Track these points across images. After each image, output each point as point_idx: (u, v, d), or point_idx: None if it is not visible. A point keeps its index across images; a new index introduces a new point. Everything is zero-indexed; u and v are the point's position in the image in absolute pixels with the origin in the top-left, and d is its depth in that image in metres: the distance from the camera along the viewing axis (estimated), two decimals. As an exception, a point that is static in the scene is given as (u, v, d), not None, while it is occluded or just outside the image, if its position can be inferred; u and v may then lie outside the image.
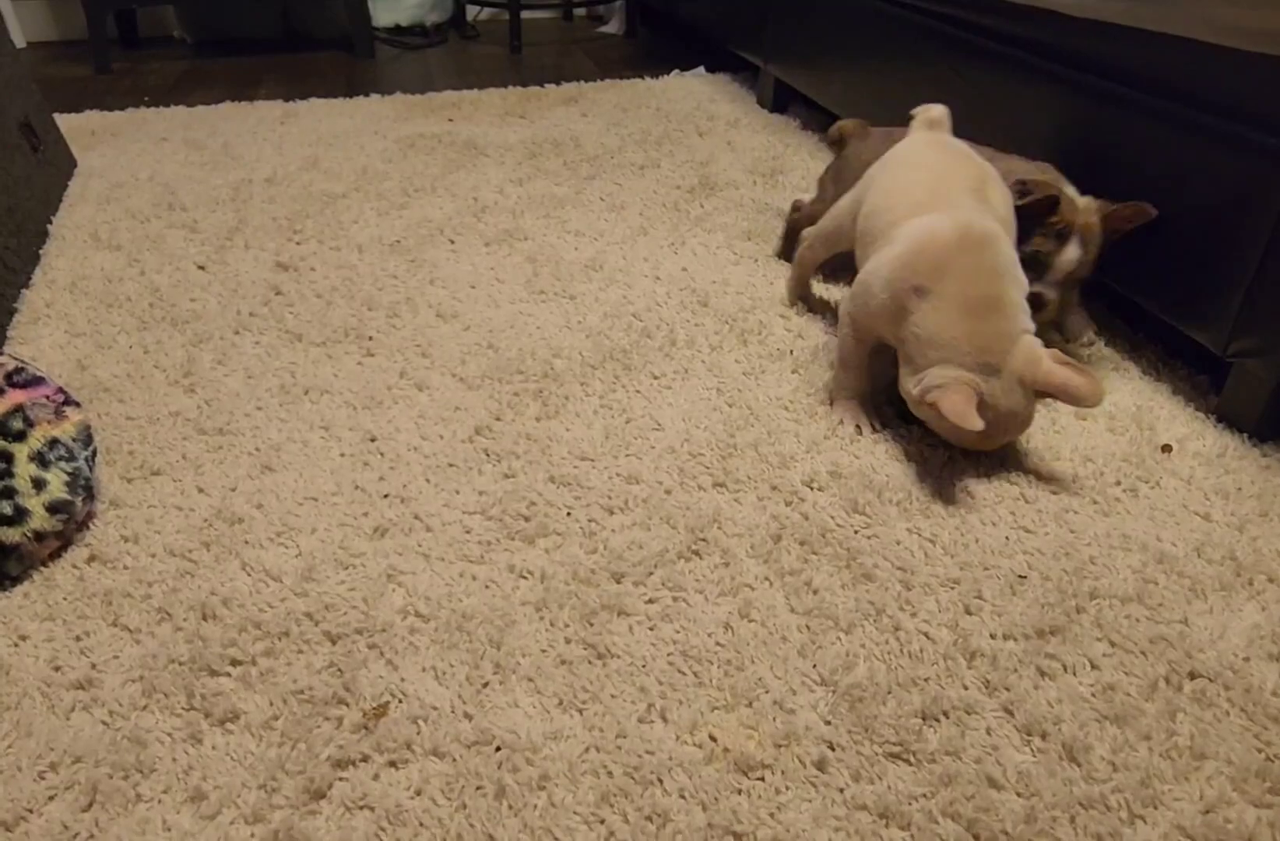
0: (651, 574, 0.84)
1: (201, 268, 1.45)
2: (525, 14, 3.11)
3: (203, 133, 2.08)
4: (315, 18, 3.23)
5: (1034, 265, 1.05)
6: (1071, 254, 1.07)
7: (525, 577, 0.84)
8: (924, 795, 0.65)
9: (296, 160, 1.90)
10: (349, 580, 0.83)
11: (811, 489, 0.95)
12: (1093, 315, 1.26)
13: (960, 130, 1.33)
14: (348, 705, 0.71)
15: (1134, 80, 1.11)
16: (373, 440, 1.03)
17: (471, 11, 3.31)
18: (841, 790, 0.65)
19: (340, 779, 0.66)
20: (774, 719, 0.70)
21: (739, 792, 0.65)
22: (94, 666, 0.74)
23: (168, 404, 1.09)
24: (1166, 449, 0.99)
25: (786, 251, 1.42)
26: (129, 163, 1.88)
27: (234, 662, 0.74)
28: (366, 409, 1.09)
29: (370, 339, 1.24)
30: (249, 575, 0.83)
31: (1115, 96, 1.13)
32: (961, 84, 1.43)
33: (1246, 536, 0.87)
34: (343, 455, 1.00)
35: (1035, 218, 1.06)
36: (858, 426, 1.04)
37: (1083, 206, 1.08)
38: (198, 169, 1.86)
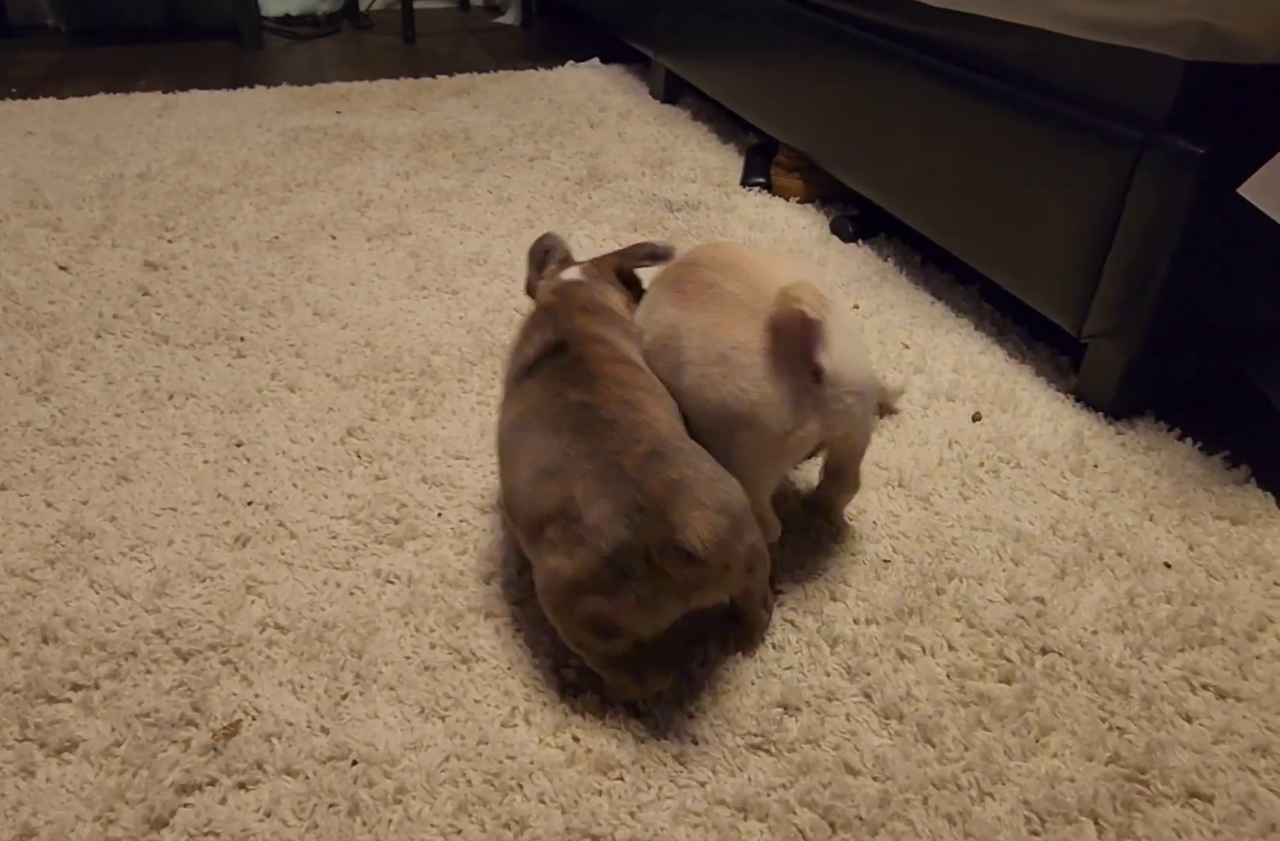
0: (522, 573, 0.83)
1: (63, 268, 1.38)
2: (421, 4, 3.04)
3: (73, 126, 1.98)
4: (201, 6, 3.11)
5: None
6: None
7: (392, 582, 0.82)
8: (782, 785, 0.65)
9: (173, 154, 1.82)
10: (205, 593, 0.80)
11: (687, 481, 0.95)
12: (964, 300, 1.29)
13: (827, 118, 1.35)
14: (197, 726, 0.68)
15: (991, 68, 1.14)
16: (239, 445, 0.99)
17: (365, 0, 3.23)
18: (703, 784, 0.65)
19: (184, 805, 0.63)
20: (637, 716, 0.70)
21: (599, 793, 0.65)
22: (-80, 697, 0.70)
23: (17, 413, 1.03)
24: (976, 417, 1.02)
25: None
26: (-12, 158, 1.78)
27: (74, 687, 0.71)
28: (234, 413, 1.05)
29: (242, 340, 1.20)
30: (96, 593, 0.79)
31: (974, 84, 1.16)
32: (836, 74, 1.45)
33: (1099, 512, 0.90)
34: (206, 462, 0.96)
35: None
36: None
37: None
38: (65, 164, 1.77)
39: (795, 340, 0.70)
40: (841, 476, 0.84)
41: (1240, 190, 0.84)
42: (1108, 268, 1.00)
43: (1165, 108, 0.94)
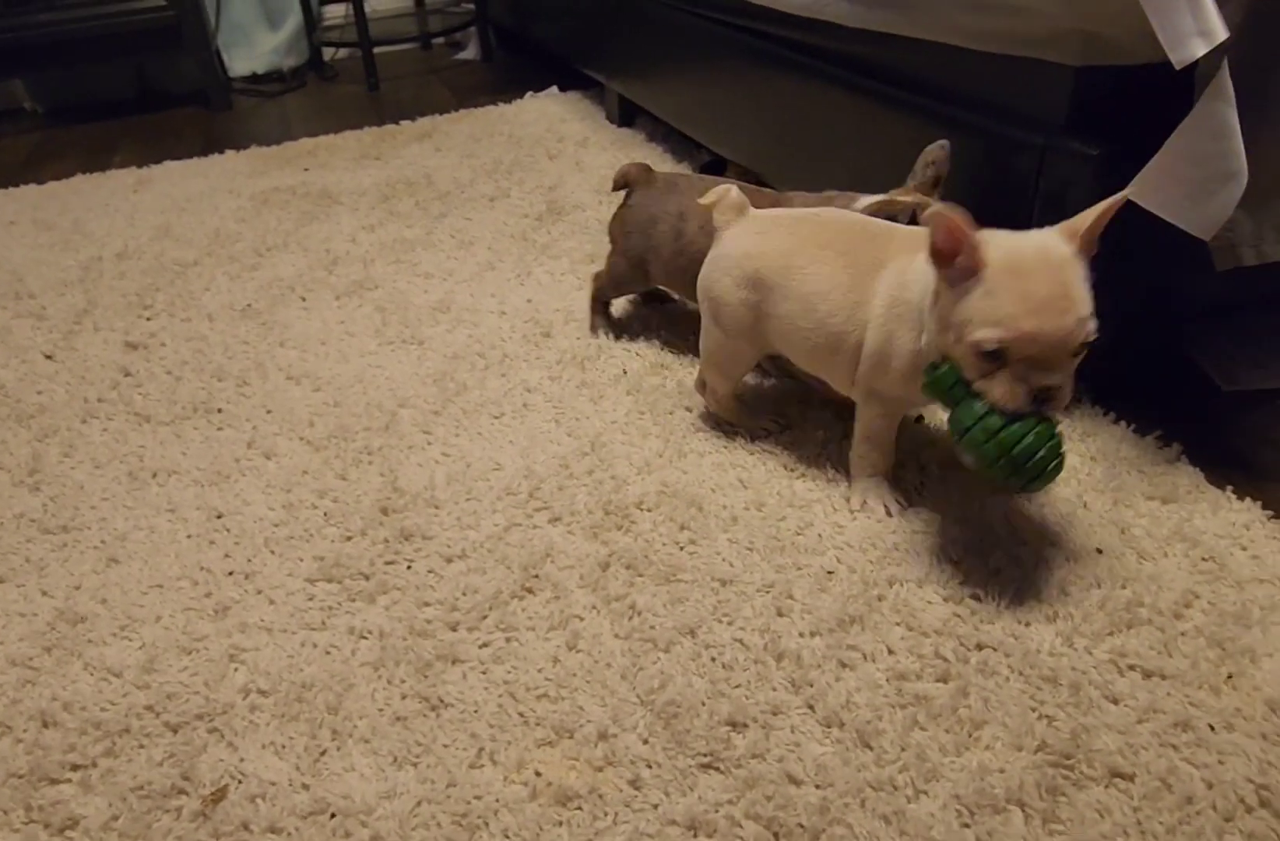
0: (485, 617, 0.88)
1: (49, 357, 1.45)
2: (383, 48, 3.11)
3: (53, 211, 2.07)
4: (170, 73, 3.20)
5: None
6: None
7: (365, 638, 0.87)
8: (729, 801, 0.69)
9: (148, 230, 1.90)
10: (191, 665, 0.85)
11: (641, 510, 1.00)
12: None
13: (768, 135, 1.39)
14: (187, 794, 0.74)
15: (908, 82, 1.18)
16: (219, 516, 1.05)
17: (328, 51, 3.30)
18: (655, 806, 0.70)
19: (180, 867, 0.69)
20: (595, 746, 0.75)
21: (559, 824, 0.69)
22: (-62, 788, 0.76)
23: (12, 506, 1.10)
24: (919, 420, 1.05)
25: (596, 322, 1.34)
26: (-25, 253, 1.87)
27: (74, 767, 0.76)
28: (213, 485, 1.11)
29: (220, 411, 1.26)
30: (91, 675, 0.85)
31: (894, 98, 1.20)
32: (771, 92, 1.49)
33: (1035, 504, 0.94)
34: (189, 536, 1.02)
35: None
36: (885, 507, 0.95)
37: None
38: (47, 250, 1.85)
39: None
40: None
41: (1126, 193, 0.87)
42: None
43: (1062, 113, 0.98)
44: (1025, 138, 1.00)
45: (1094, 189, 0.93)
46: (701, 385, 1.12)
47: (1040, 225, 1.01)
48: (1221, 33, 0.79)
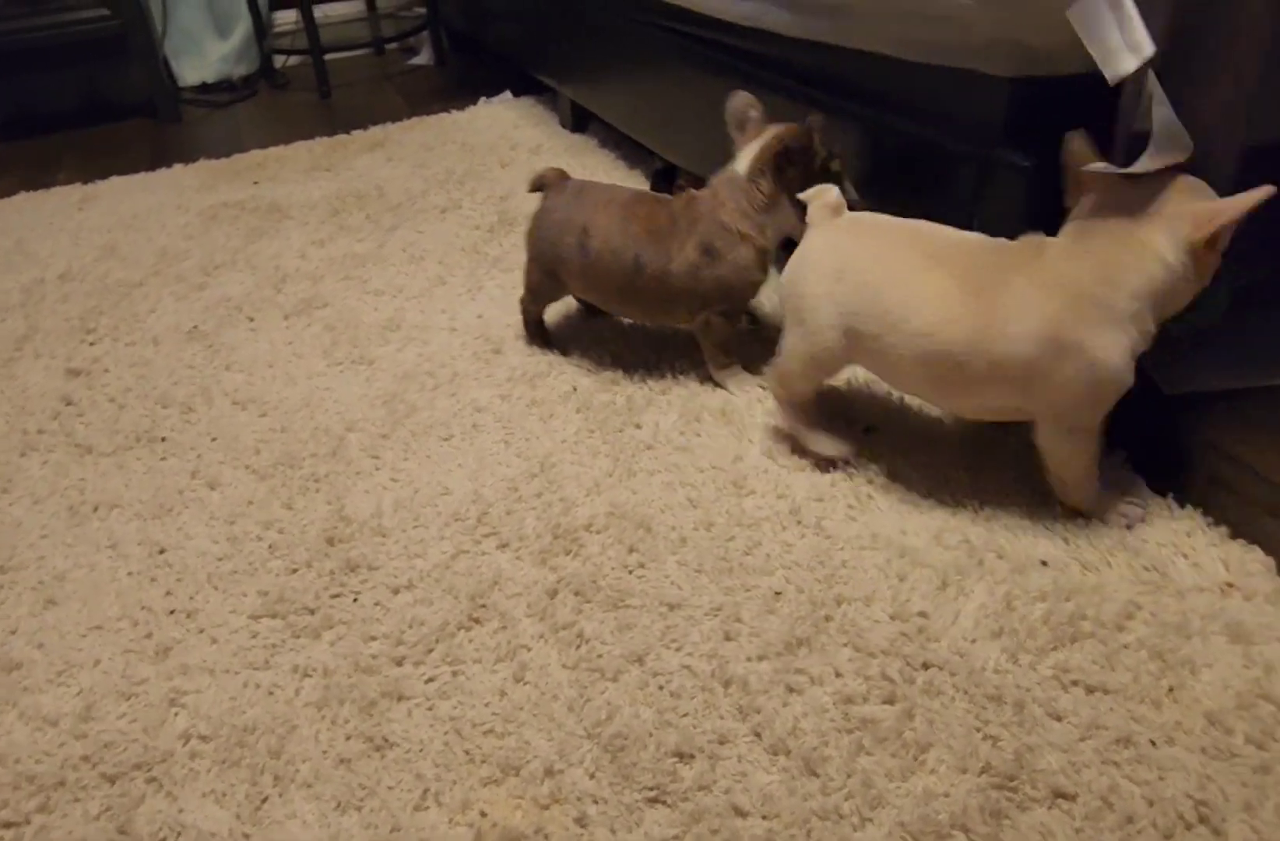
0: (431, 651, 0.87)
1: (-11, 388, 1.42)
2: (336, 54, 3.07)
3: (-5, 233, 2.02)
4: (118, 84, 3.14)
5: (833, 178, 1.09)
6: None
7: (309, 676, 0.86)
8: (675, 836, 0.69)
9: (93, 250, 1.86)
10: (130, 712, 0.84)
11: (590, 532, 0.99)
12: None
13: (715, 143, 1.38)
14: (124, 846, 0.72)
15: (853, 93, 1.17)
16: (161, 552, 1.03)
17: (279, 59, 3.26)
18: (601, 844, 0.69)
19: (116, 925, 0.67)
20: (541, 783, 0.74)
21: (504, 865, 0.68)
22: None
23: (-51, 548, 1.07)
24: (869, 430, 1.05)
25: (534, 337, 1.33)
26: (-86, 281, 1.82)
27: (7, 825, 0.75)
28: (156, 518, 1.09)
29: (163, 440, 1.24)
30: (26, 725, 0.83)
31: (838, 108, 1.19)
32: (717, 100, 1.48)
33: (981, 517, 0.94)
34: (130, 574, 1.00)
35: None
36: (1123, 513, 0.91)
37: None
38: (-12, 274, 1.81)
39: None
40: None
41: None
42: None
43: (999, 123, 0.98)
44: (962, 148, 1.00)
45: (1028, 200, 0.94)
46: (780, 391, 1.04)
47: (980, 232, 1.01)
48: (1149, 47, 0.79)
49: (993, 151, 0.97)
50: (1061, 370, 0.82)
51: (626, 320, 1.34)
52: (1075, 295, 0.82)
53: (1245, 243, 0.84)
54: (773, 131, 1.11)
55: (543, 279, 1.26)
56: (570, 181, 1.24)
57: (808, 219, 0.98)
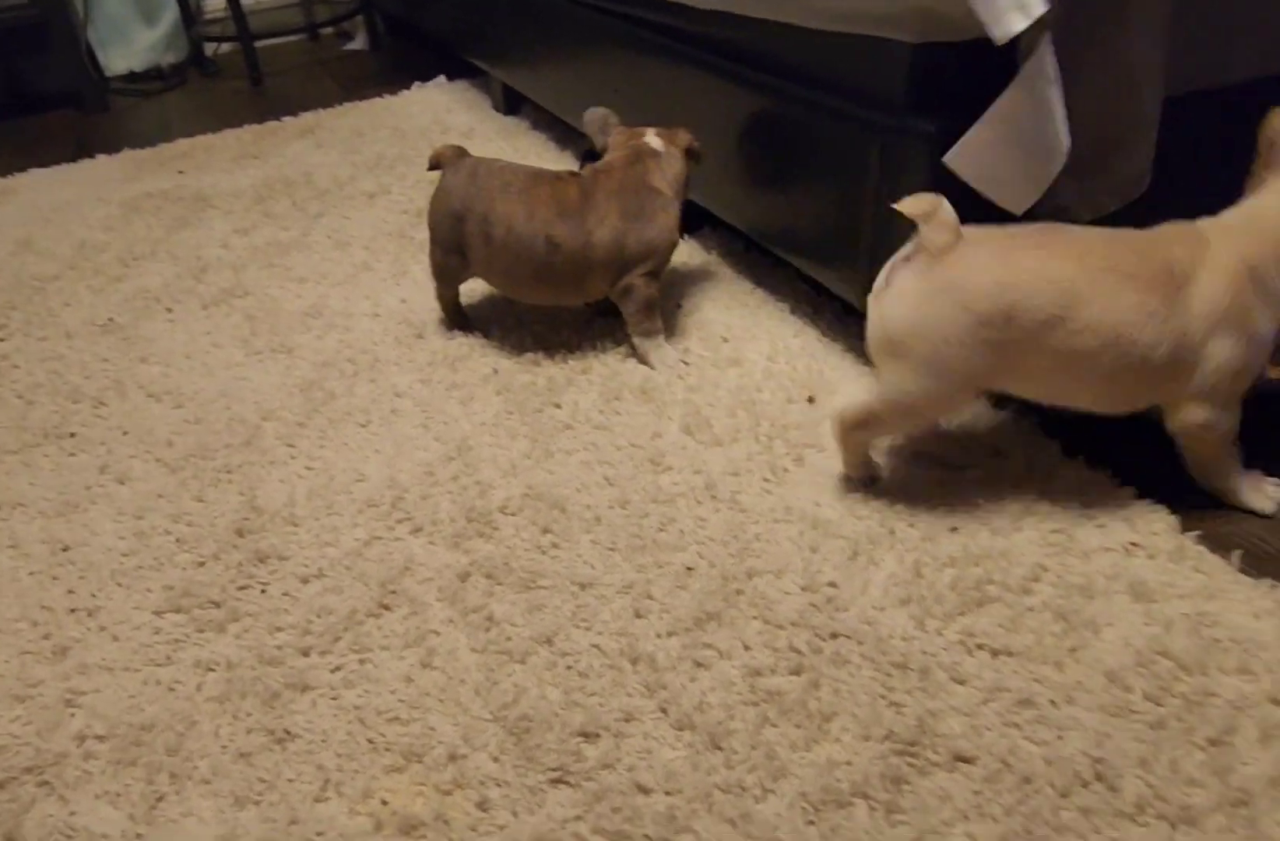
0: (339, 640, 0.85)
1: (-106, 388, 1.37)
2: (270, 41, 3.00)
3: (-92, 230, 1.95)
4: (42, 73, 3.04)
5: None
6: None
7: (212, 670, 0.84)
8: (577, 816, 0.68)
9: (8, 244, 1.80)
10: (24, 714, 0.81)
11: (505, 514, 0.97)
12: (782, 283, 1.31)
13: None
14: (11, 852, 0.70)
15: (763, 63, 1.16)
16: (65, 549, 1.00)
17: (211, 46, 3.18)
18: (502, 828, 0.68)
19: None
20: (444, 769, 0.72)
21: (402, 853, 0.67)
22: None
23: None
24: (810, 400, 1.05)
25: (453, 321, 1.31)
26: None
27: (-112, 833, 0.72)
28: (61, 516, 1.05)
29: (73, 435, 1.20)
30: (-86, 731, 0.80)
31: (748, 78, 1.18)
32: (639, 77, 1.46)
33: (895, 485, 0.93)
34: (31, 574, 0.97)
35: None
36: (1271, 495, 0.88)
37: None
38: (-102, 273, 1.75)
39: None
40: None
41: (945, 160, 0.86)
42: (877, 242, 1.02)
43: (902, 91, 0.97)
44: (865, 115, 0.99)
45: (931, 166, 0.93)
46: (853, 431, 0.91)
47: (880, 202, 1.01)
48: (1039, 6, 0.78)
49: (896, 119, 0.96)
50: (1231, 347, 0.80)
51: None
52: (1251, 278, 0.80)
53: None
54: (651, 130, 1.22)
55: (446, 260, 1.23)
56: (466, 159, 1.21)
57: (921, 244, 0.82)
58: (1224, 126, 0.89)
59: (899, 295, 0.84)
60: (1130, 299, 0.79)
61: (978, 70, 0.90)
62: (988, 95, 0.87)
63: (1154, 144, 0.90)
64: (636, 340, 1.19)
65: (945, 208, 0.81)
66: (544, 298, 1.24)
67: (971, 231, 0.82)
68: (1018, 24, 0.78)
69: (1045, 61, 0.80)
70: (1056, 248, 0.82)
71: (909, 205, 0.81)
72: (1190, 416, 0.84)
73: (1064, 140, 0.82)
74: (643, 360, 1.19)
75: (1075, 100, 0.83)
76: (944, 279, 0.81)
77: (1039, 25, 0.78)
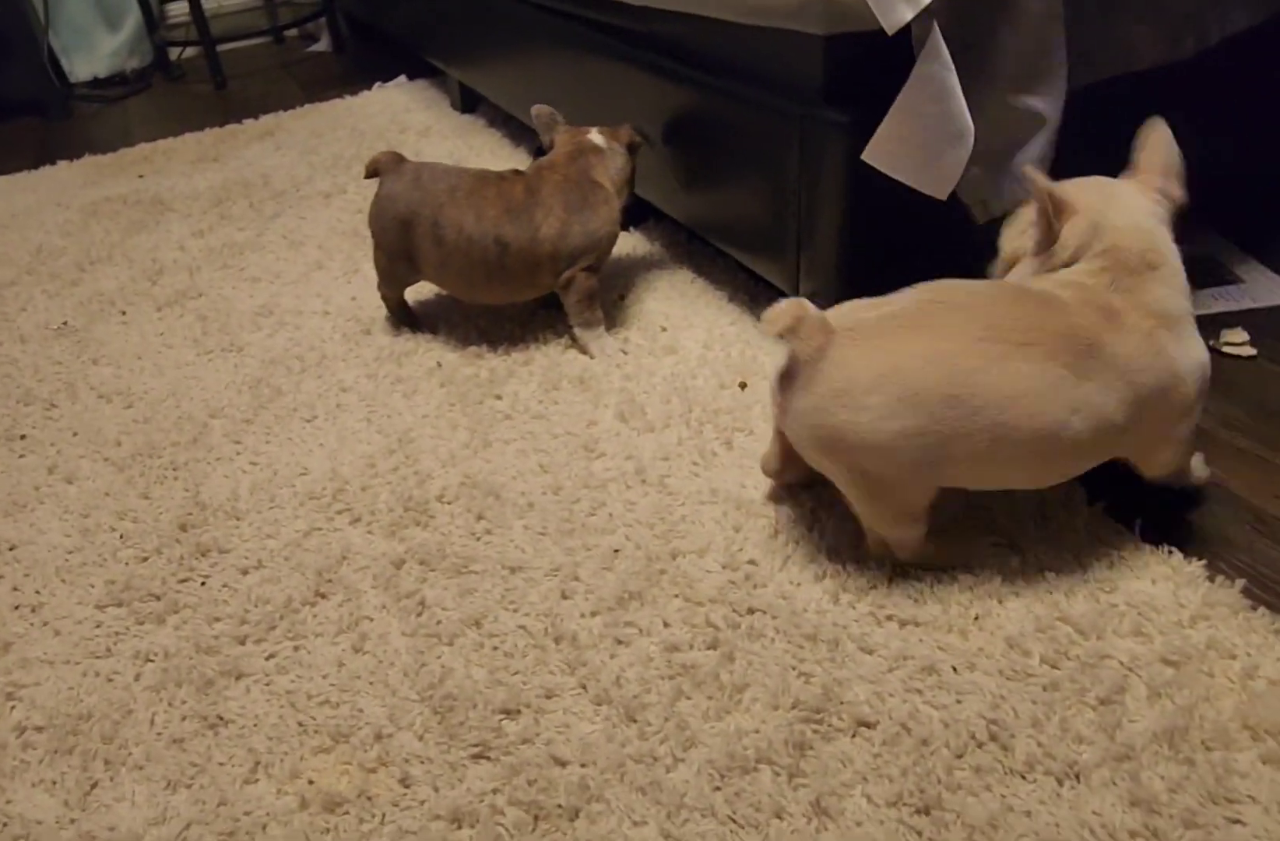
0: (274, 628, 0.87)
1: None
2: (234, 44, 3.01)
3: None
4: (5, 82, 3.03)
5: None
6: None
7: (150, 661, 0.85)
8: (494, 789, 0.70)
9: (-35, 253, 1.81)
10: (-37, 709, 0.83)
11: (441, 503, 0.99)
12: (722, 272, 1.33)
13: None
14: (-53, 841, 0.72)
15: (690, 57, 1.18)
16: (11, 549, 1.02)
17: (175, 50, 3.18)
18: (423, 803, 0.70)
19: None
20: (370, 748, 0.74)
21: (326, 832, 0.69)
22: None
23: None
24: (743, 386, 1.07)
25: (400, 321, 1.32)
26: None
27: None
28: (8, 516, 1.07)
29: (23, 437, 1.22)
30: None
31: (677, 73, 1.20)
32: (581, 74, 1.48)
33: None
34: (-24, 573, 0.99)
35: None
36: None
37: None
38: None
39: None
40: None
41: (863, 157, 0.88)
42: (803, 230, 1.04)
43: (818, 82, 0.99)
44: (784, 107, 1.01)
45: (849, 156, 0.95)
46: (880, 544, 0.83)
47: (803, 192, 1.03)
48: None
49: (813, 109, 0.98)
50: (1181, 389, 0.75)
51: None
52: (1169, 324, 0.74)
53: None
54: (595, 128, 1.24)
55: (391, 265, 1.25)
56: (406, 165, 1.23)
57: (798, 353, 0.75)
58: (1135, 115, 0.91)
59: (796, 417, 0.77)
60: (1037, 381, 0.71)
61: (891, 60, 0.92)
62: (901, 84, 0.89)
63: (1056, 132, 0.92)
64: (577, 331, 1.21)
65: (810, 312, 0.74)
66: (498, 297, 1.26)
67: (844, 319, 0.75)
68: (906, 13, 0.80)
69: (937, 48, 0.82)
70: (929, 319, 0.74)
71: (771, 325, 0.74)
72: (1159, 466, 0.81)
73: (968, 122, 0.84)
74: (583, 350, 1.21)
75: (971, 93, 0.85)
76: (828, 388, 0.73)
77: (926, 14, 0.80)
